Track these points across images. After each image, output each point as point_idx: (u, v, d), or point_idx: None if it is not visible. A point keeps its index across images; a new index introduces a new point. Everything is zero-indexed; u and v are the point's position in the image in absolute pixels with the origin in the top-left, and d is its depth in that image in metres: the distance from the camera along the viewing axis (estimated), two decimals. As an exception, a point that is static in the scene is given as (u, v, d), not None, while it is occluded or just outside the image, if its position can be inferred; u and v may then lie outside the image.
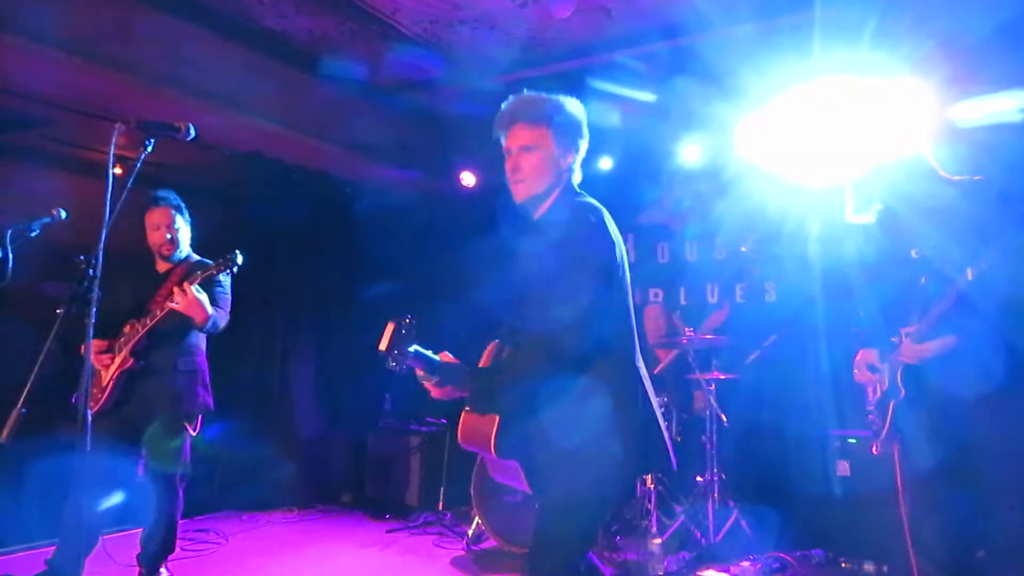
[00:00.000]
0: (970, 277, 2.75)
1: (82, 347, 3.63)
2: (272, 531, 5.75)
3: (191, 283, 3.55)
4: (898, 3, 4.35)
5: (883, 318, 3.19)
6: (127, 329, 3.74)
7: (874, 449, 3.25)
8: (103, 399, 3.66)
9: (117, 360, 3.69)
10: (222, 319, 3.80)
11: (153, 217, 3.91)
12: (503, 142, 2.44)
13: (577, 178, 2.51)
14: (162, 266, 3.97)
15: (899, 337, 3.10)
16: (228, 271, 3.62)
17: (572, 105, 2.45)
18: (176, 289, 3.56)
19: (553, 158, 2.39)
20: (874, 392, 3.27)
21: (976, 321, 2.78)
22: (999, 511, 2.78)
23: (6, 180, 4.88)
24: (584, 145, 2.50)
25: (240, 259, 3.60)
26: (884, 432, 3.16)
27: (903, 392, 3.08)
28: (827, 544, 4.78)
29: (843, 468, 4.73)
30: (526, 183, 2.38)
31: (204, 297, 3.59)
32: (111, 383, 3.67)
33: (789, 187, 5.31)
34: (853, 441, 4.74)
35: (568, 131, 2.42)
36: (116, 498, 3.66)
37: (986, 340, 2.76)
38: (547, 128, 2.37)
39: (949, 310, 2.84)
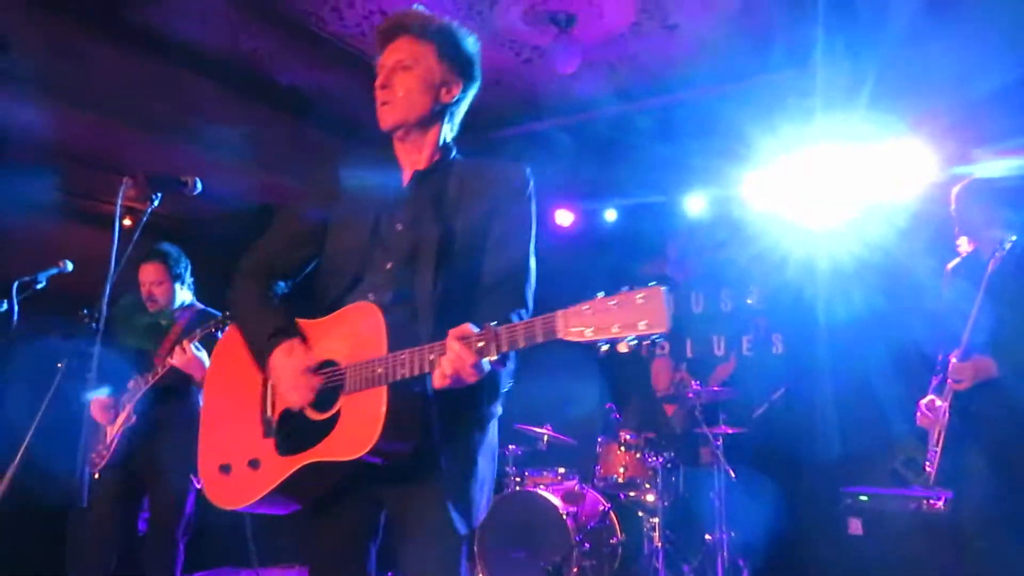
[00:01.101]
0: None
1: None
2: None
3: (190, 340, 3.55)
4: (895, 62, 4.42)
5: (922, 357, 3.21)
6: (131, 384, 3.72)
7: (926, 502, 3.19)
8: (107, 455, 3.63)
9: (121, 417, 3.67)
10: None
11: (143, 273, 3.90)
12: (378, 58, 1.97)
13: (454, 131, 2.05)
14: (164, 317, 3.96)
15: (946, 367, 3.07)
16: (225, 328, 3.62)
17: (467, 36, 1.99)
18: (176, 348, 3.56)
19: (434, 82, 1.93)
20: (932, 436, 3.14)
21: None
22: None
23: (14, 231, 4.90)
24: (472, 93, 2.03)
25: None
26: (934, 471, 3.03)
27: (947, 419, 2.99)
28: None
29: (855, 527, 4.62)
30: (395, 105, 1.91)
31: (203, 354, 3.59)
32: (114, 439, 3.64)
33: (793, 236, 5.32)
34: (865, 499, 4.64)
35: (456, 58, 1.96)
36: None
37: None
38: (433, 46, 1.93)
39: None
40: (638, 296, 1.46)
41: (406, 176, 1.98)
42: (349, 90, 5.31)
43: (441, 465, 1.77)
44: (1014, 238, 2.89)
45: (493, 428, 1.95)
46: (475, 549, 4.92)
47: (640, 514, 5.03)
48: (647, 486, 4.88)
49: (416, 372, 1.65)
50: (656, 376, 5.77)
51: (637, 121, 5.76)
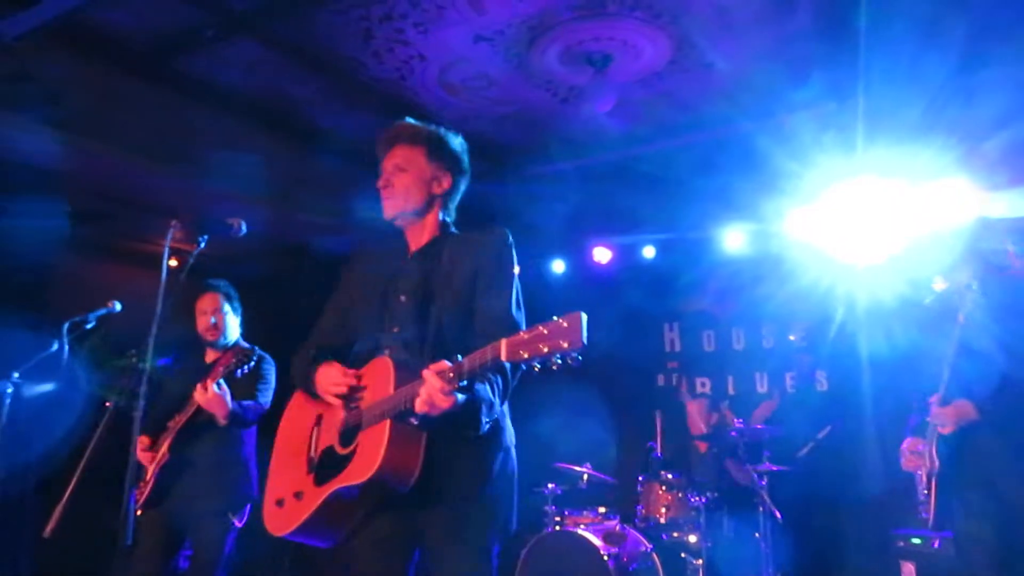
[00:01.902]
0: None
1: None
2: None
3: (212, 380, 3.57)
4: (939, 96, 4.38)
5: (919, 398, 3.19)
6: (171, 424, 3.75)
7: (935, 543, 3.15)
8: (146, 493, 3.66)
9: (158, 455, 3.70)
10: (252, 413, 3.79)
11: (202, 303, 3.98)
12: (381, 162, 2.43)
13: (451, 216, 2.48)
14: (210, 356, 3.99)
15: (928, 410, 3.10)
16: (245, 367, 3.65)
17: (452, 137, 2.46)
18: (199, 386, 3.59)
19: (425, 178, 2.38)
20: (920, 480, 3.17)
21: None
22: None
23: (63, 271, 5.05)
24: (463, 182, 2.48)
25: (255, 356, 3.68)
26: (932, 516, 3.04)
27: (937, 464, 3.01)
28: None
29: (908, 571, 4.47)
30: (395, 199, 2.36)
31: (226, 392, 3.60)
32: (152, 478, 3.68)
33: (835, 272, 5.25)
34: (918, 542, 4.50)
35: (444, 157, 2.42)
36: None
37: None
38: (423, 149, 2.39)
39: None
40: (563, 322, 1.78)
41: (411, 251, 2.41)
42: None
43: (459, 484, 2.13)
44: (975, 286, 2.88)
45: (504, 454, 2.27)
46: (515, 590, 4.86)
47: (683, 555, 4.92)
48: (690, 527, 4.78)
49: (409, 404, 1.99)
50: (691, 418, 5.69)
51: (675, 157, 5.76)
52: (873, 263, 5.08)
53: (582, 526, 5.00)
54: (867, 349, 5.27)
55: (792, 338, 5.37)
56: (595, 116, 5.10)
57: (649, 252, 6.22)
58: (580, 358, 1.78)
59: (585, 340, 1.75)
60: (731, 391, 6.21)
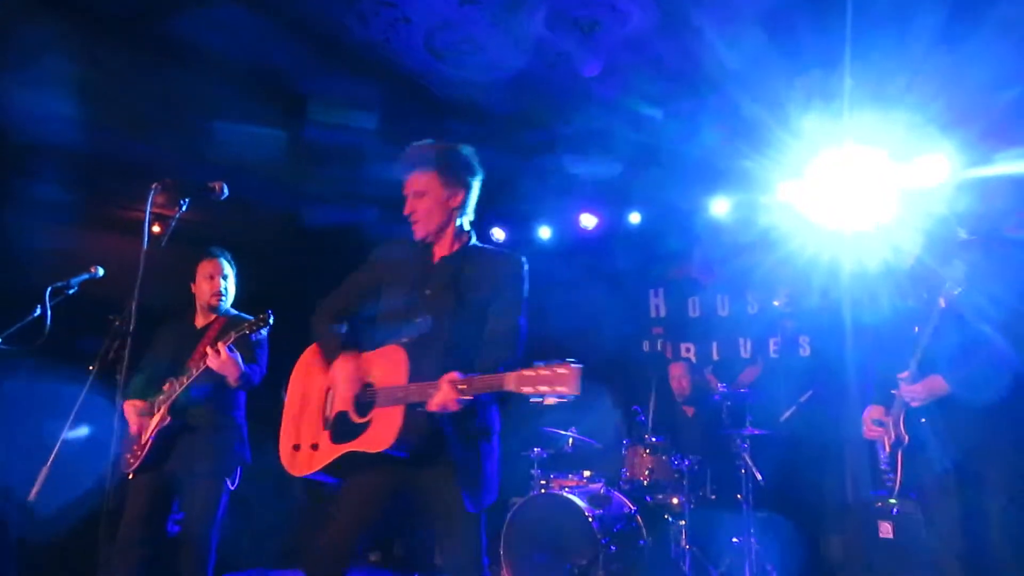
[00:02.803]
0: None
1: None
2: (298, 590, 5.68)
3: (225, 343, 3.60)
4: (925, 65, 4.37)
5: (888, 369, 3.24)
6: (166, 387, 3.75)
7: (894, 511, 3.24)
8: (142, 456, 3.68)
9: (155, 419, 3.70)
10: (257, 375, 3.84)
11: (207, 267, 3.99)
12: (404, 187, 2.75)
13: (469, 217, 2.81)
14: (200, 321, 4.01)
15: (898, 385, 3.14)
16: (261, 330, 3.68)
17: (459, 150, 2.77)
18: (210, 349, 3.61)
19: (442, 200, 2.70)
20: (883, 448, 3.24)
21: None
22: None
23: (43, 238, 4.99)
24: (477, 185, 2.79)
25: (271, 319, 3.67)
26: (897, 486, 3.11)
27: (907, 438, 3.06)
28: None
29: (885, 530, 4.57)
30: (421, 223, 2.70)
31: (237, 356, 3.64)
32: (149, 441, 3.69)
33: (820, 239, 5.27)
34: (894, 502, 4.59)
35: (455, 174, 2.73)
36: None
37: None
38: (435, 173, 2.69)
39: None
40: (561, 370, 2.17)
41: (436, 257, 2.76)
42: (372, 98, 5.35)
43: (451, 460, 2.52)
44: (959, 291, 2.89)
45: (492, 435, 2.66)
46: (500, 551, 4.93)
47: (667, 517, 5.01)
48: (673, 489, 4.86)
49: (422, 399, 2.40)
50: (673, 381, 5.74)
51: (662, 123, 5.75)
52: (859, 230, 5.10)
53: (567, 489, 5.07)
54: (850, 315, 5.31)
55: (776, 304, 5.41)
56: (582, 82, 5.07)
57: (635, 218, 6.22)
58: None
59: (579, 391, 2.15)
60: (715, 356, 6.27)
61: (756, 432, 4.92)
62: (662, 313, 6.67)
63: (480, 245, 2.84)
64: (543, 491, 5.15)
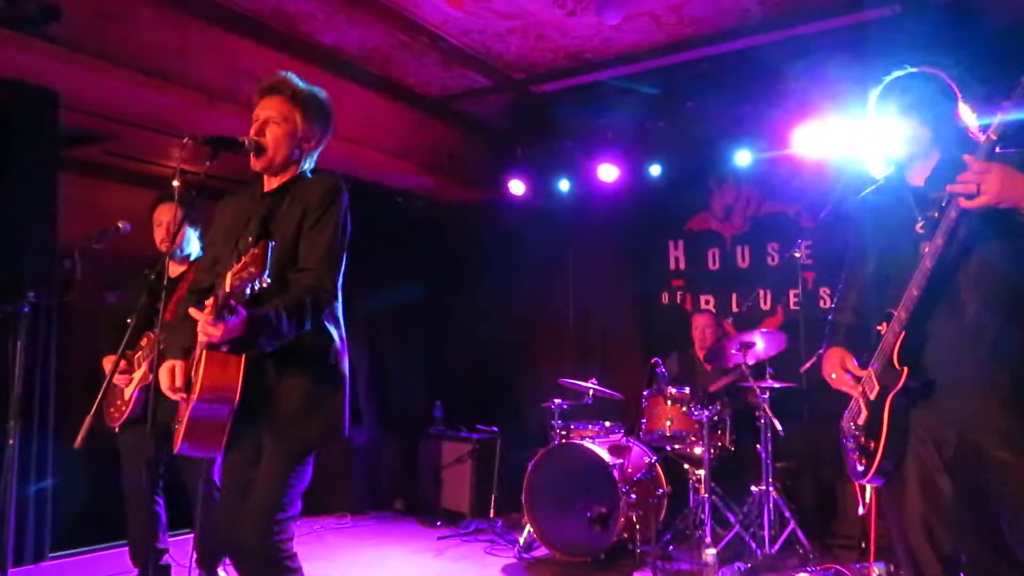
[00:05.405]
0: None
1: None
2: (325, 536, 5.83)
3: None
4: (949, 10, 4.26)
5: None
6: (144, 342, 3.66)
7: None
8: (127, 411, 3.63)
9: (137, 375, 3.62)
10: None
11: (157, 212, 3.81)
12: (255, 108, 2.58)
13: (310, 166, 2.66)
14: (174, 271, 3.81)
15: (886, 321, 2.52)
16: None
17: (326, 99, 2.65)
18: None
19: (297, 136, 2.56)
20: (858, 411, 2.65)
21: None
22: None
23: (74, 193, 5.04)
24: (326, 140, 2.68)
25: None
26: (877, 462, 2.45)
27: (902, 382, 2.38)
28: (888, 557, 4.66)
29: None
30: (268, 153, 2.52)
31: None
32: (133, 397, 3.62)
33: (842, 188, 5.22)
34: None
35: (317, 118, 2.61)
36: None
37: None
38: (299, 109, 2.56)
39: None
40: (256, 251, 2.11)
41: (265, 190, 2.62)
42: (392, 48, 5.31)
43: (270, 407, 2.42)
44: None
45: (326, 373, 2.51)
46: (521, 500, 5.02)
47: (686, 466, 5.07)
48: (693, 439, 4.91)
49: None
50: (696, 331, 5.74)
51: (683, 73, 5.67)
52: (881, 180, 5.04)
53: (587, 439, 5.14)
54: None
55: (797, 255, 5.37)
56: (602, 30, 5.00)
57: (655, 170, 6.18)
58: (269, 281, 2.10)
59: (268, 267, 2.08)
60: (735, 308, 6.27)
61: (777, 385, 4.94)
62: (682, 266, 6.66)
63: (307, 176, 2.64)
64: (563, 441, 5.23)
